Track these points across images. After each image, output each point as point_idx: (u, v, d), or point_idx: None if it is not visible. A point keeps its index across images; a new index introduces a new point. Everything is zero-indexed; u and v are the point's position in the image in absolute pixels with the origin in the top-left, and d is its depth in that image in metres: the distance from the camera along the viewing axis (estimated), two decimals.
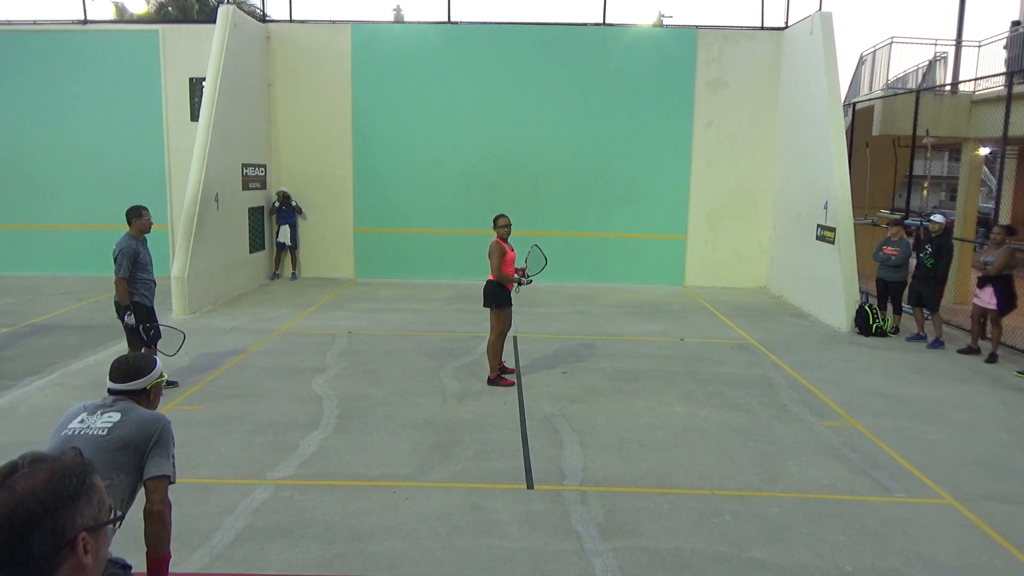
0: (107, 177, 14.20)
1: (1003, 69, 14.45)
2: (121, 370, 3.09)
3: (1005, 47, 14.75)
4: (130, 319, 6.94)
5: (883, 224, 12.68)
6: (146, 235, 7.15)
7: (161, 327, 7.20)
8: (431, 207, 14.52)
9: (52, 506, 1.34)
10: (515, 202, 14.06)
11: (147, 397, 3.13)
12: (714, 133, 14.26)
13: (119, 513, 2.65)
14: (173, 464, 2.95)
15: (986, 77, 14.47)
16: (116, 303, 7.06)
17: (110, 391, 3.07)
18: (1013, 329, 9.94)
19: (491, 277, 7.70)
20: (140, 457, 2.86)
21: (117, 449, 2.81)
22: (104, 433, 2.85)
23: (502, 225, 7.75)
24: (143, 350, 7.16)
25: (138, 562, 3.05)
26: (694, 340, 9.98)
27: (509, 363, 8.48)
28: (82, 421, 2.92)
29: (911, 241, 10.97)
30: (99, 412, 2.95)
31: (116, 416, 2.93)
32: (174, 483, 2.95)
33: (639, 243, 14.56)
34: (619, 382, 7.95)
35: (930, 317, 9.96)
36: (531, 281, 7.83)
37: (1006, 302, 8.94)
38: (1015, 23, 14.86)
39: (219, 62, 12.22)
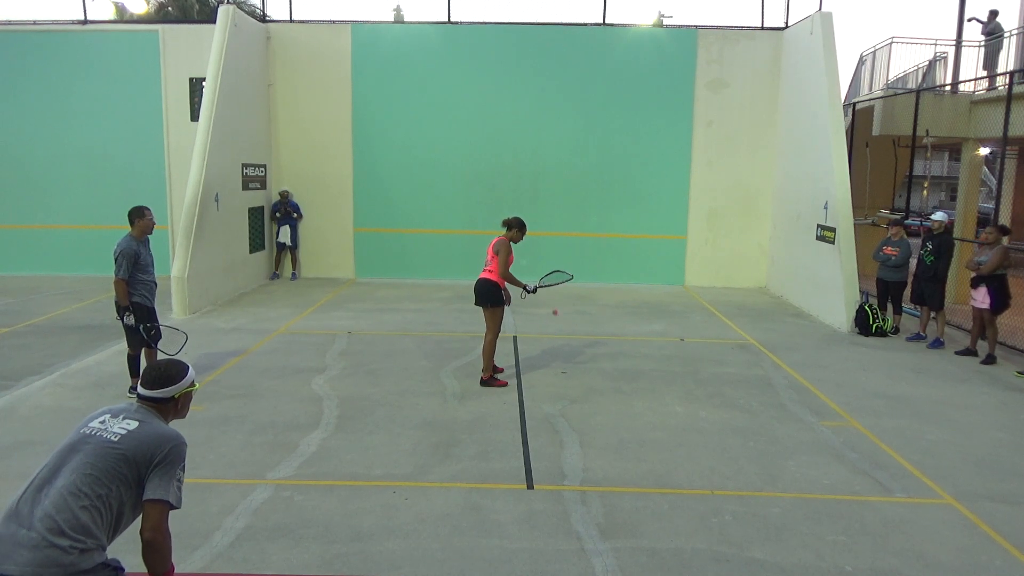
0: (107, 177, 14.21)
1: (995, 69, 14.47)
2: (151, 377, 3.03)
3: (983, 44, 14.80)
4: (129, 319, 6.94)
5: (883, 224, 12.69)
6: (148, 236, 7.15)
7: (162, 327, 7.20)
8: (431, 207, 14.52)
9: None
10: (515, 202, 14.07)
11: (175, 406, 3.07)
12: (714, 133, 14.26)
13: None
14: (178, 488, 2.84)
15: (986, 77, 14.48)
16: (116, 303, 7.06)
17: (139, 396, 3.03)
18: (1013, 329, 9.93)
19: (485, 275, 7.60)
20: (140, 474, 2.79)
21: (119, 459, 2.77)
22: (115, 440, 2.81)
23: (523, 232, 7.73)
24: (143, 350, 7.18)
25: (136, 564, 3.04)
26: (694, 340, 9.98)
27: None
28: (102, 422, 2.88)
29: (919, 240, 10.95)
30: (121, 416, 2.91)
31: (132, 425, 2.87)
32: (177, 508, 2.83)
33: (639, 243, 14.56)
34: (619, 382, 7.95)
35: (935, 316, 9.97)
36: (536, 291, 7.80)
37: (999, 302, 8.96)
38: (992, 13, 14.89)
39: (219, 62, 12.22)
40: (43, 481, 2.73)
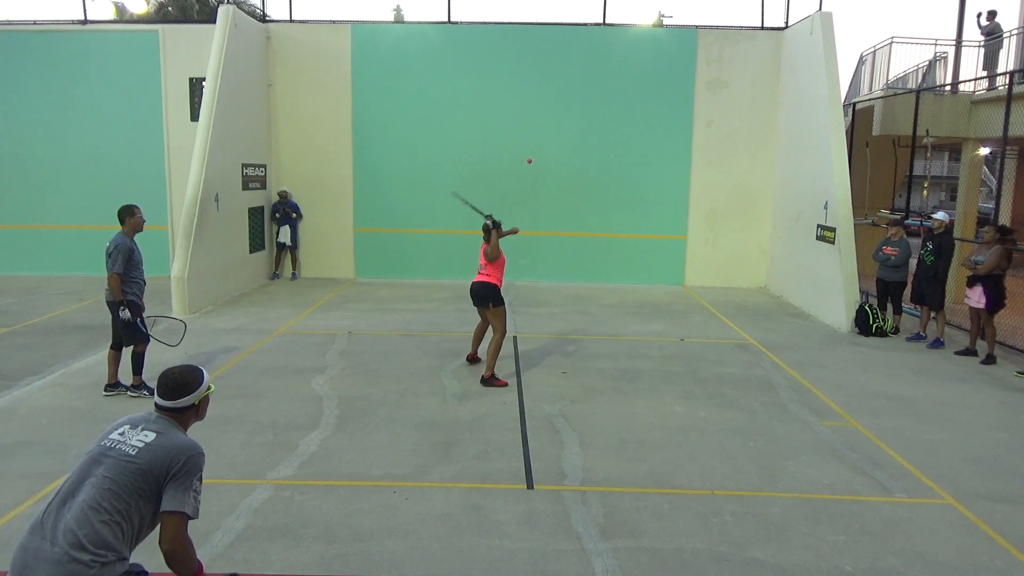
0: (107, 177, 14.20)
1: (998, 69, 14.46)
2: (168, 386, 3.01)
3: (983, 44, 14.80)
4: (124, 314, 6.94)
5: (883, 224, 12.68)
6: (137, 233, 7.17)
7: (158, 317, 7.26)
8: (431, 207, 14.51)
9: None
10: (515, 202, 14.08)
11: (195, 412, 3.09)
12: (714, 133, 14.26)
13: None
14: (195, 498, 2.85)
15: (986, 77, 14.48)
16: (108, 301, 7.06)
17: (156, 406, 3.02)
18: (1013, 329, 9.93)
19: (481, 278, 7.67)
20: (158, 486, 2.80)
21: (136, 473, 2.78)
22: (133, 453, 2.82)
23: (499, 230, 7.84)
24: (109, 352, 7.21)
25: (158, 564, 3.03)
26: (694, 340, 9.98)
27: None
28: (122, 434, 2.89)
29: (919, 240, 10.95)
30: (140, 427, 2.92)
31: (150, 436, 2.88)
32: (195, 518, 2.85)
33: (639, 243, 14.56)
34: (619, 382, 7.95)
35: (935, 316, 9.97)
36: (491, 218, 7.81)
37: (995, 301, 8.96)
38: (991, 14, 14.89)
39: (219, 62, 12.22)
40: (66, 495, 2.76)
